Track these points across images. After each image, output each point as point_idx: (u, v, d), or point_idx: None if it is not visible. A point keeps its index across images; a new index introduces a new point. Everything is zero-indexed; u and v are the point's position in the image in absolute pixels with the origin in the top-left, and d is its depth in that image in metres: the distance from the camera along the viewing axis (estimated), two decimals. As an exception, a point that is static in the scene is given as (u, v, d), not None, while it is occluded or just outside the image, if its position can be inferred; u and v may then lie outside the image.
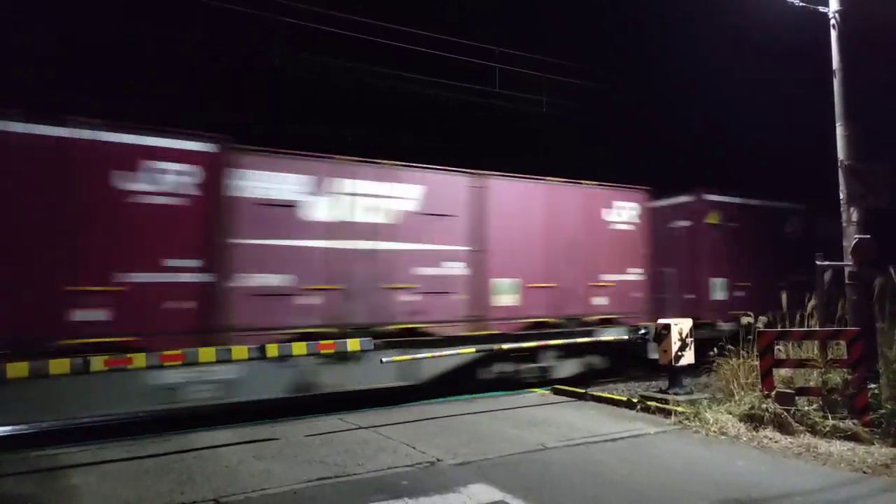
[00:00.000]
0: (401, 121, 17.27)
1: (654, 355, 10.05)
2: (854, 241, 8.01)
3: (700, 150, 18.74)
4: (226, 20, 12.09)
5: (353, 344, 8.86)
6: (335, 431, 7.67)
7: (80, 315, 7.51)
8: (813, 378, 7.81)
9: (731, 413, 7.66)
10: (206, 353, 7.93)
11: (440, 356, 9.61)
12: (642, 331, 11.37)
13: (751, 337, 8.23)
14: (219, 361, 7.99)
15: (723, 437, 7.24)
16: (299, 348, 8.49)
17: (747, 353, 8.39)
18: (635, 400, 8.85)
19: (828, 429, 7.03)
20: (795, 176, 15.89)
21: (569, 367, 11.18)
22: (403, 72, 13.94)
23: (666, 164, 17.35)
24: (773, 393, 7.46)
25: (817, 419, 7.20)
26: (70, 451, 6.93)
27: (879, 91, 11.03)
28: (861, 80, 8.44)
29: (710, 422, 7.54)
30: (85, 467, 6.30)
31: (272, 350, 8.28)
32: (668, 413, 8.23)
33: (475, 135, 18.24)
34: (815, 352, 7.92)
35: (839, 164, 8.34)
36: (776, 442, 6.91)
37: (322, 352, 8.66)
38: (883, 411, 7.08)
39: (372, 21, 12.54)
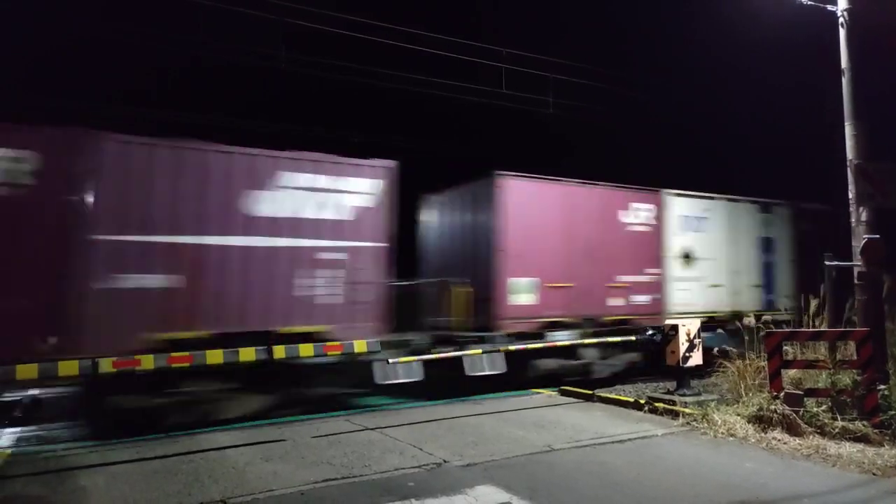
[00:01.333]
0: (400, 122, 17.33)
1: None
2: (863, 241, 7.95)
3: (708, 148, 18.69)
4: (232, 22, 12.11)
5: (359, 345, 8.93)
6: (342, 433, 7.69)
7: None
8: (822, 379, 7.75)
9: (739, 414, 7.62)
10: (214, 356, 8.03)
11: (443, 357, 9.66)
12: (650, 332, 11.35)
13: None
14: (225, 363, 8.10)
15: (731, 438, 7.20)
16: (306, 350, 8.57)
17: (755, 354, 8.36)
18: (643, 401, 8.82)
19: (837, 430, 6.99)
20: (806, 174, 15.84)
21: None
22: (406, 73, 13.93)
23: (673, 162, 17.32)
24: (782, 394, 7.41)
25: (826, 420, 7.16)
26: (78, 452, 6.98)
27: (890, 89, 10.95)
28: (870, 79, 8.37)
29: (718, 423, 7.51)
30: (93, 468, 6.34)
31: (279, 352, 8.37)
32: (675, 414, 8.20)
33: (487, 135, 18.29)
34: (824, 353, 7.88)
35: (848, 163, 8.28)
36: (785, 443, 6.87)
37: (328, 353, 8.73)
38: (893, 412, 7.04)
39: (362, 22, 12.52)
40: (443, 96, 14.11)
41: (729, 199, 13.73)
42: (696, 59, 18.91)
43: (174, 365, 7.83)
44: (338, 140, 13.76)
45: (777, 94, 18.07)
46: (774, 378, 7.59)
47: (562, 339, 11.02)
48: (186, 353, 7.90)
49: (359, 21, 12.42)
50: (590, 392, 9.71)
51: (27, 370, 7.10)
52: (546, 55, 14.55)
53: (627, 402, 9.05)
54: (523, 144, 18.13)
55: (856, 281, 8.07)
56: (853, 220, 8.24)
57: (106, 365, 7.45)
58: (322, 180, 9.10)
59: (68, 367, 7.28)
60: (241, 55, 12.70)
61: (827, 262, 8.28)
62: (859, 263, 8.00)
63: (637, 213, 12.40)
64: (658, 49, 20.11)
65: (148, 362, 7.67)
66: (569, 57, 15.03)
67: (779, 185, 15.63)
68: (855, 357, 7.43)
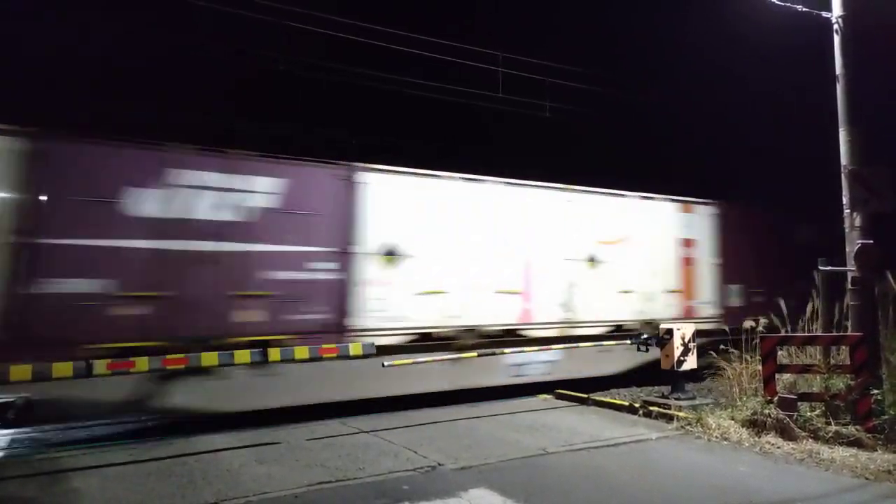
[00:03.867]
0: (404, 125, 17.37)
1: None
2: (857, 247, 7.99)
3: (702, 153, 18.80)
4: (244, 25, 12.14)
5: (355, 348, 8.93)
6: (337, 435, 7.68)
7: None
8: (816, 383, 7.78)
9: (733, 418, 7.64)
10: (209, 358, 8.02)
11: (441, 359, 9.65)
12: (644, 335, 11.35)
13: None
14: (221, 364, 8.09)
15: (725, 442, 7.22)
16: (301, 352, 8.57)
17: (749, 358, 8.38)
18: (637, 405, 8.83)
19: (830, 434, 7.01)
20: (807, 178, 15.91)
21: None
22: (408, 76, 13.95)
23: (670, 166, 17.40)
24: (776, 398, 7.44)
25: (820, 425, 7.18)
26: (72, 454, 6.95)
27: (884, 95, 11.01)
28: (864, 84, 8.41)
29: (713, 427, 7.52)
30: (87, 470, 6.31)
31: (274, 354, 8.36)
32: (670, 418, 8.21)
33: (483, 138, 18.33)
34: (818, 357, 7.91)
35: (842, 168, 8.32)
36: (778, 447, 6.89)
37: (324, 356, 8.73)
38: (886, 417, 7.08)
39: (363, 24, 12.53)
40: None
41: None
42: (690, 64, 19.02)
43: (168, 367, 7.84)
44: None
45: (771, 98, 18.16)
46: (769, 382, 7.62)
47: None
48: (181, 356, 7.93)
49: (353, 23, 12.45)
50: (585, 396, 9.71)
51: (21, 371, 7.09)
52: (541, 59, 14.57)
53: (622, 405, 9.06)
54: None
55: (849, 286, 8.10)
56: (847, 225, 8.27)
57: (100, 367, 7.45)
58: None
59: (62, 369, 7.28)
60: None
61: (820, 267, 8.31)
62: (853, 268, 8.03)
63: None
64: (653, 53, 20.21)
65: (142, 364, 7.67)
66: (564, 61, 15.07)
67: (778, 189, 15.66)
68: (848, 362, 7.46)
